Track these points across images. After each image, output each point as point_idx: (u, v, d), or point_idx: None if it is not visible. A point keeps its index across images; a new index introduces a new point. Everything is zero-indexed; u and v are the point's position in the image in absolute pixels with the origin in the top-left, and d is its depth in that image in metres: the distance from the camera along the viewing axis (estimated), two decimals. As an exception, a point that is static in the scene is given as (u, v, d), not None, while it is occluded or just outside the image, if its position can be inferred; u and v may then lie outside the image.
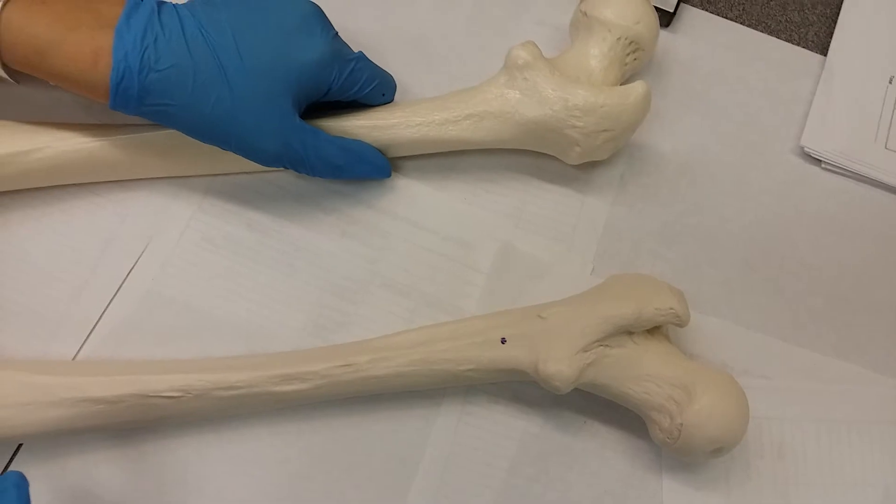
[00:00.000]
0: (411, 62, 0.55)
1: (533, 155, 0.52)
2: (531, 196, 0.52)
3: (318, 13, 0.45)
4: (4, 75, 0.42)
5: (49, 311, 0.47)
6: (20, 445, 0.44)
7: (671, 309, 0.43)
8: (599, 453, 0.47)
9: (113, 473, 0.45)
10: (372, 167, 0.49)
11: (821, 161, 0.54)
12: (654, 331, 0.45)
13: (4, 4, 0.40)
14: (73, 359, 0.46)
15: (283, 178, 0.51)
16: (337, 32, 0.46)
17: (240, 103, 0.42)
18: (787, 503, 0.47)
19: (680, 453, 0.44)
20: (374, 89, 0.47)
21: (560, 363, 0.42)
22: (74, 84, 0.42)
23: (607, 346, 0.43)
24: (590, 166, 0.53)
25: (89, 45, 0.40)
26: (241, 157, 0.45)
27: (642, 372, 0.43)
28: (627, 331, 0.43)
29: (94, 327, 0.47)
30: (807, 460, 0.48)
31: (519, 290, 0.50)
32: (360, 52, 0.47)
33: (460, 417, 0.47)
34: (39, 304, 0.47)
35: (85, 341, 0.47)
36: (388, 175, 0.50)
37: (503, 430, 0.47)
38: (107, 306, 0.48)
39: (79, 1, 0.42)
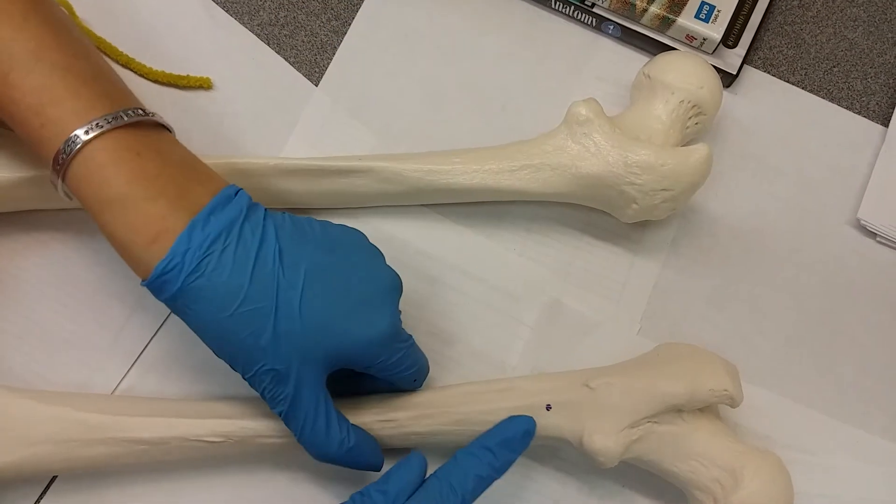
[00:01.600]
0: (469, 112, 0.54)
1: (585, 210, 0.51)
2: (581, 252, 0.51)
3: (397, 289, 0.42)
4: (63, 195, 0.40)
5: (93, 340, 0.47)
6: (55, 476, 0.44)
7: (725, 391, 0.41)
8: None
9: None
10: (366, 465, 0.42)
11: (876, 234, 0.53)
12: (705, 408, 0.43)
13: (97, 136, 0.37)
14: (114, 391, 0.46)
15: (334, 215, 0.50)
16: (401, 312, 0.42)
17: (273, 351, 0.38)
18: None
19: None
20: (410, 375, 0.42)
21: (607, 438, 0.41)
22: (119, 246, 0.38)
23: (656, 422, 0.41)
24: (642, 226, 0.52)
25: (157, 225, 0.37)
26: (293, 194, 0.45)
27: (690, 451, 0.42)
28: (678, 409, 0.42)
29: (137, 359, 0.47)
30: None
31: (564, 347, 0.49)
32: (411, 338, 0.43)
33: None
34: (84, 332, 0.47)
35: (127, 373, 0.46)
36: (378, 470, 0.43)
37: (535, 493, 0.46)
38: (151, 338, 0.47)
39: (173, 169, 0.39)
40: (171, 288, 0.37)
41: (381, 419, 0.43)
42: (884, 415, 0.49)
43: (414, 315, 0.49)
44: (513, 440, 0.40)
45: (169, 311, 0.46)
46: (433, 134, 0.53)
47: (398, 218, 0.51)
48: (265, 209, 0.40)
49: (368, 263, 0.41)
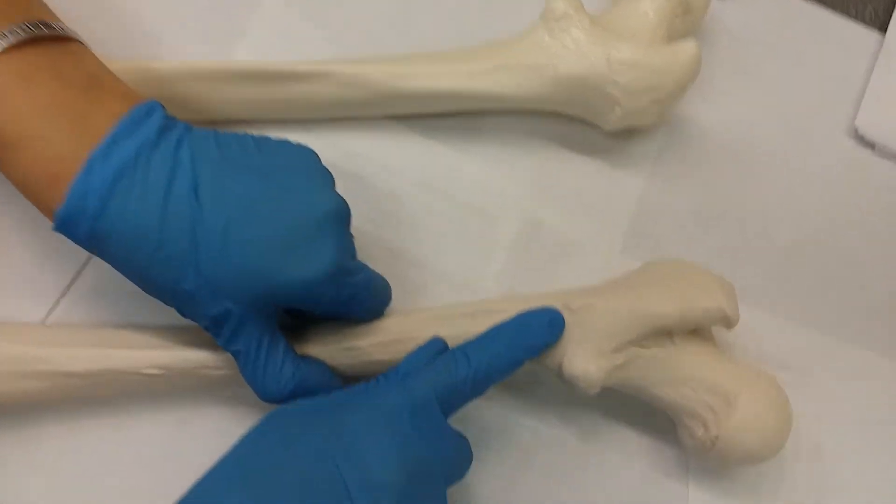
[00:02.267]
0: (439, 17, 0.49)
1: (564, 121, 0.47)
2: (560, 167, 0.47)
3: (342, 218, 0.36)
4: None
5: (21, 266, 0.42)
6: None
7: (721, 310, 0.37)
8: (619, 451, 0.43)
9: (92, 443, 0.40)
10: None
11: (875, 145, 0.49)
12: (697, 330, 0.40)
13: None
14: (44, 321, 0.41)
15: (288, 128, 0.45)
16: (352, 238, 0.38)
17: (200, 296, 0.33)
18: (823, 509, 0.42)
19: (709, 462, 0.39)
20: (365, 311, 0.38)
21: (588, 363, 0.37)
22: (20, 190, 0.33)
23: (642, 345, 0.38)
24: (625, 138, 0.47)
25: (53, 166, 0.32)
26: (246, 102, 0.40)
27: (679, 375, 0.38)
28: (667, 331, 0.38)
29: (70, 285, 0.42)
30: (846, 464, 0.44)
31: (542, 269, 0.45)
32: (367, 268, 0.38)
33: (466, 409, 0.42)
34: (11, 257, 0.42)
35: (59, 301, 0.42)
36: None
37: (514, 422, 0.43)
38: (85, 263, 0.42)
39: (72, 93, 0.33)
40: (78, 235, 0.32)
41: (342, 347, 0.38)
42: (886, 332, 0.46)
43: (377, 236, 0.44)
44: (537, 326, 0.37)
45: None
46: (398, 40, 0.48)
47: (360, 132, 0.46)
48: (187, 128, 0.34)
49: (307, 189, 0.35)
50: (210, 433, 0.40)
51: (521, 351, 0.36)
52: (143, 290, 0.35)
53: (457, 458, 0.35)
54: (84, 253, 0.42)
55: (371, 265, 0.41)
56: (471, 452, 0.36)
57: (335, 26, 0.48)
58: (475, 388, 0.35)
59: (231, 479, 0.31)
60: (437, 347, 0.37)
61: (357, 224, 0.44)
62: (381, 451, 0.31)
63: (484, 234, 0.45)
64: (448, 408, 0.35)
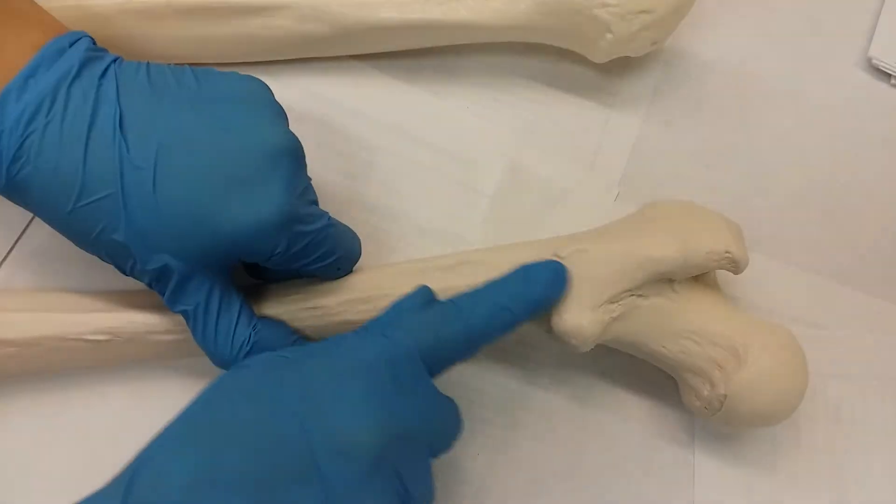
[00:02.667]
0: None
1: (550, 56, 0.43)
2: (547, 108, 0.43)
3: (290, 156, 0.31)
4: None
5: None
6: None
7: (727, 253, 0.33)
8: (618, 413, 0.39)
9: (32, 425, 0.36)
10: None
11: (890, 76, 0.45)
12: (701, 275, 0.36)
13: None
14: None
15: (249, 71, 0.41)
16: (310, 182, 0.33)
17: (136, 247, 0.30)
18: (842, 473, 0.39)
19: (718, 424, 0.35)
20: (329, 265, 0.34)
21: (580, 317, 0.33)
22: None
23: (641, 295, 0.34)
24: (618, 75, 0.43)
25: None
26: (200, 40, 0.36)
27: (681, 327, 0.34)
28: (668, 278, 0.34)
29: (14, 245, 0.38)
30: (867, 424, 0.40)
31: (530, 218, 0.41)
32: (327, 217, 0.33)
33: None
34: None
35: (1, 262, 0.38)
36: None
37: (501, 385, 0.39)
38: (31, 220, 0.38)
39: None
40: None
41: (307, 307, 0.34)
42: (905, 277, 0.42)
43: (349, 187, 0.40)
44: (539, 279, 0.33)
45: None
46: None
47: (328, 74, 0.42)
48: (117, 60, 0.30)
49: (252, 124, 0.31)
50: (164, 409, 0.37)
51: (521, 307, 0.32)
52: (77, 244, 0.31)
53: (443, 424, 0.31)
54: (26, 215, 0.38)
55: (343, 219, 0.37)
56: (460, 419, 0.31)
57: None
58: (467, 346, 0.31)
59: (181, 439, 0.27)
60: (425, 297, 0.33)
61: (326, 174, 0.40)
62: (354, 409, 0.27)
63: (466, 182, 0.41)
64: (435, 367, 0.31)
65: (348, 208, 0.40)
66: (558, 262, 0.33)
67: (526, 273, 0.33)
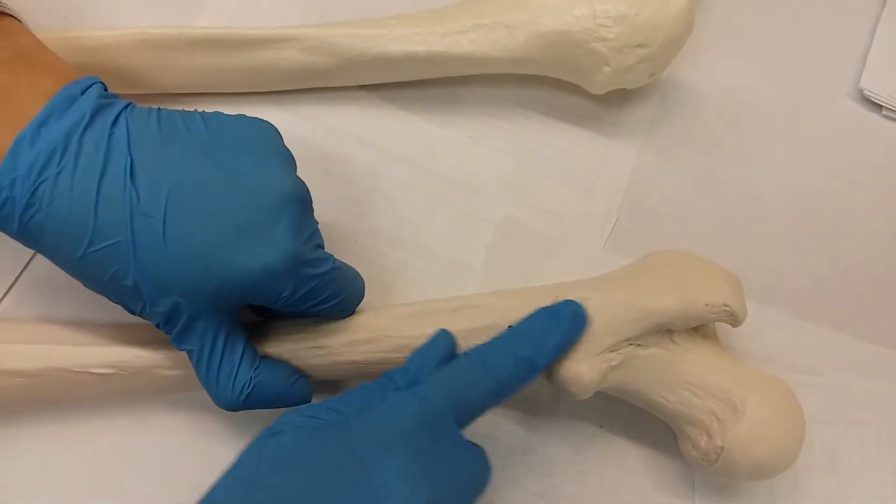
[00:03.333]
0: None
1: (549, 88, 0.43)
2: (547, 137, 0.44)
3: (299, 200, 0.32)
4: None
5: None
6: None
7: (726, 306, 0.34)
8: (617, 466, 0.39)
9: (38, 453, 0.36)
10: (284, 403, 0.34)
11: (881, 107, 0.46)
12: (700, 327, 0.36)
13: None
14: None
15: (257, 101, 0.42)
16: (316, 226, 0.34)
17: (145, 292, 0.30)
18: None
19: (716, 475, 0.35)
20: (333, 306, 0.34)
21: (580, 365, 0.33)
22: None
23: (640, 345, 0.34)
24: (616, 106, 0.44)
25: None
26: (208, 71, 0.37)
27: (680, 378, 0.34)
28: (667, 328, 0.34)
29: (20, 274, 0.39)
30: (864, 471, 0.39)
31: (532, 245, 0.42)
32: (332, 260, 0.33)
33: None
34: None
35: (7, 293, 0.38)
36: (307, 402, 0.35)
37: (499, 434, 0.39)
38: (31, 259, 0.39)
39: None
40: (11, 227, 0.29)
41: (310, 346, 0.35)
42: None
43: (354, 213, 0.41)
44: (559, 322, 0.33)
45: None
46: (370, 4, 0.44)
47: (333, 103, 0.43)
48: (128, 106, 0.31)
49: (260, 169, 0.31)
50: (167, 438, 0.37)
51: (545, 353, 0.32)
52: (86, 286, 0.31)
53: (476, 474, 0.31)
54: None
55: (347, 245, 0.38)
56: (489, 463, 0.31)
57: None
58: (495, 399, 0.31)
59: None
60: (447, 346, 0.33)
61: (331, 201, 0.41)
62: (400, 480, 0.27)
63: (469, 209, 0.42)
64: (464, 420, 0.31)
65: (353, 234, 0.41)
66: (578, 304, 0.33)
67: (546, 319, 0.33)
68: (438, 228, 0.42)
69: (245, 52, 0.39)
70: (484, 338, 0.33)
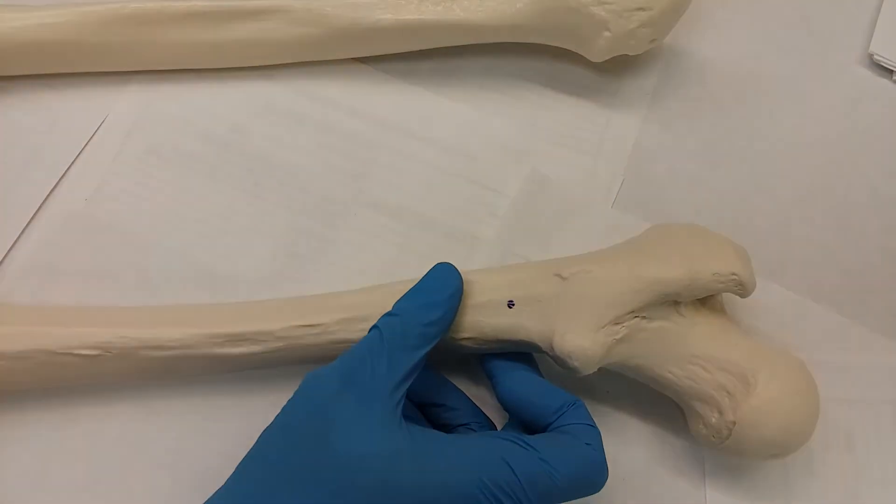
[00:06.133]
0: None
1: (548, 58, 0.42)
2: (547, 109, 0.42)
3: None
4: None
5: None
6: None
7: (734, 275, 0.32)
8: (623, 447, 0.36)
9: (40, 440, 0.35)
10: None
11: (892, 72, 0.43)
12: (707, 299, 0.34)
13: None
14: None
15: (247, 76, 0.41)
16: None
17: None
18: (858, 504, 0.36)
19: (727, 453, 0.33)
20: None
21: (582, 338, 0.31)
22: None
23: (645, 317, 0.32)
24: (617, 75, 0.42)
25: None
26: (194, 46, 0.36)
27: (688, 352, 0.32)
28: (674, 300, 0.32)
29: (4, 257, 0.37)
30: (881, 452, 0.37)
31: (532, 219, 0.40)
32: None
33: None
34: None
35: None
36: None
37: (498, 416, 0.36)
38: (22, 231, 0.37)
39: None
40: None
41: (303, 324, 0.33)
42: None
43: (352, 186, 0.40)
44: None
45: (37, 207, 0.38)
46: None
47: (326, 75, 0.41)
48: None
49: None
50: (170, 425, 0.35)
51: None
52: None
53: None
54: (18, 226, 0.37)
55: (349, 218, 0.37)
56: None
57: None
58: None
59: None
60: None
61: (330, 174, 0.40)
62: None
63: (471, 178, 0.40)
64: None
65: (352, 206, 0.39)
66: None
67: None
68: (441, 198, 0.40)
69: (230, 25, 0.38)
70: (482, 314, 0.31)
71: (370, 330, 0.31)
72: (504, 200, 0.40)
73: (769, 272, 0.39)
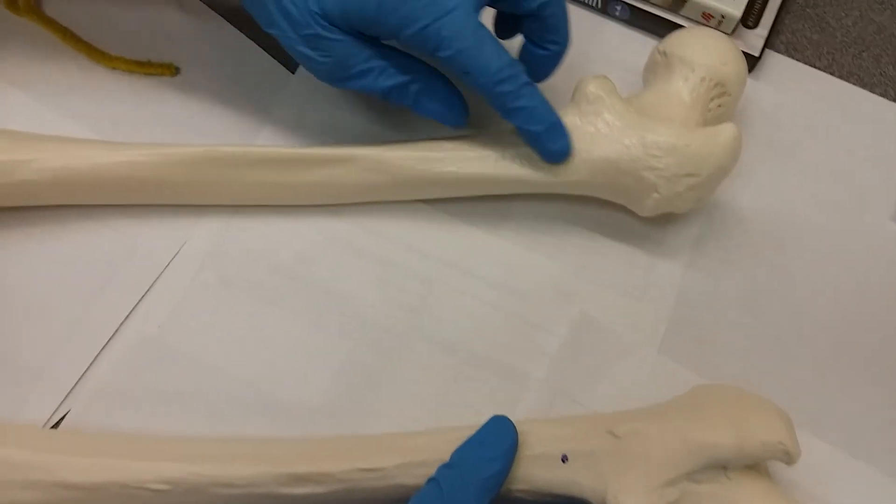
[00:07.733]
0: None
1: (596, 206, 0.43)
2: (593, 254, 0.44)
3: None
4: None
5: (30, 358, 0.39)
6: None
7: (781, 444, 0.32)
8: None
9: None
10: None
11: (924, 229, 0.45)
12: (752, 465, 0.34)
13: None
14: (46, 424, 0.38)
15: (315, 212, 0.43)
16: None
17: None
18: None
19: None
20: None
21: (637, 499, 0.32)
22: None
23: (696, 481, 0.33)
24: (661, 225, 0.44)
25: None
26: (270, 186, 0.38)
27: None
28: (722, 465, 0.33)
29: (77, 381, 0.39)
30: None
31: (581, 360, 0.41)
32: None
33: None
34: (19, 348, 0.39)
35: (66, 398, 0.38)
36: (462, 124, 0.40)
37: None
38: (97, 354, 0.39)
39: None
40: None
41: (364, 468, 0.34)
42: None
43: (408, 320, 0.41)
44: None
45: (114, 330, 0.39)
46: (426, 126, 0.44)
47: (386, 213, 0.43)
48: None
49: None
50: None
51: None
52: None
53: None
54: (94, 348, 0.39)
55: (403, 351, 0.39)
56: None
57: (361, 111, 0.46)
58: None
59: None
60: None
61: (386, 308, 0.41)
62: None
63: (521, 317, 0.42)
64: None
65: (407, 341, 0.41)
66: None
67: None
68: (493, 335, 0.41)
69: (305, 170, 0.40)
70: (536, 467, 0.32)
71: (428, 482, 0.32)
72: (554, 339, 0.41)
73: (809, 424, 0.39)
